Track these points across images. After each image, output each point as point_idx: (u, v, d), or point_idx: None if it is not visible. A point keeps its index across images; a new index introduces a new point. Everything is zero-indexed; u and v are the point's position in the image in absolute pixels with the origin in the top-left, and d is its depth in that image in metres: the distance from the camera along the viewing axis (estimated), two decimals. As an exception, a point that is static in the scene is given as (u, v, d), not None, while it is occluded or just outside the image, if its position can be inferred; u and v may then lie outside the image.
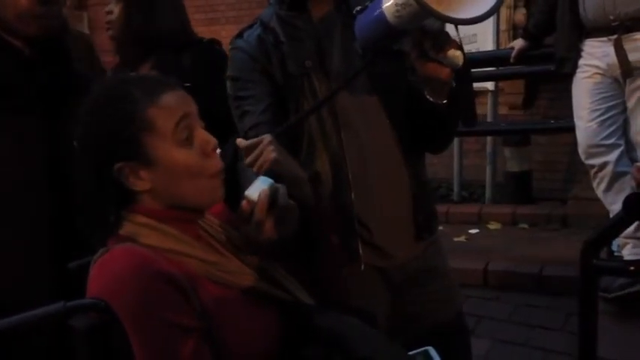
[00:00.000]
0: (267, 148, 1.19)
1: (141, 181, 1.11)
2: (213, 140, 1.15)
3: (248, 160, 1.16)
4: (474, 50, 4.29)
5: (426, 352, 1.26)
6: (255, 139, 1.21)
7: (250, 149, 1.18)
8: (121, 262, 1.07)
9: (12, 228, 1.46)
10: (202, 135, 1.14)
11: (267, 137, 1.24)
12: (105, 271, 1.08)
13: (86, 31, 6.50)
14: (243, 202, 1.11)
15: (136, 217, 1.13)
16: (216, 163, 1.15)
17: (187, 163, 1.11)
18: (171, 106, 1.12)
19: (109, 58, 2.59)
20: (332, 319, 1.18)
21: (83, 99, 1.16)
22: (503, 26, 4.95)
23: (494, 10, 1.24)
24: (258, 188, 1.12)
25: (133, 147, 1.09)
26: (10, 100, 1.48)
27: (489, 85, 4.66)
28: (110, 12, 2.15)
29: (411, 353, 1.24)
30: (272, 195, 1.12)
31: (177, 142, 1.11)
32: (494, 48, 4.56)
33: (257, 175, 1.18)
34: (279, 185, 1.13)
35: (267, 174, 1.18)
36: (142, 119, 1.09)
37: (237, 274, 1.16)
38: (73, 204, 1.28)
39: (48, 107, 1.51)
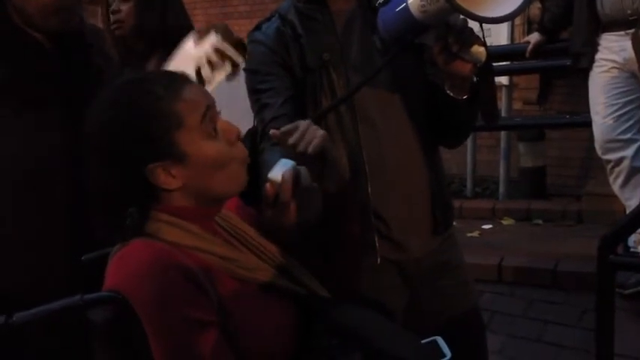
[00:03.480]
0: (310, 127, 1.17)
1: (173, 180, 1.09)
2: (236, 129, 1.15)
3: (291, 140, 1.14)
4: (488, 44, 4.25)
5: (434, 342, 1.26)
6: (292, 124, 1.18)
7: (288, 134, 1.17)
8: (140, 255, 1.06)
9: (28, 218, 1.47)
10: (225, 125, 1.14)
11: (305, 121, 1.21)
12: (123, 265, 1.08)
13: (100, 25, 6.51)
14: (267, 185, 1.09)
15: (158, 214, 1.11)
16: (241, 149, 1.15)
17: (217, 155, 1.11)
18: (195, 99, 1.11)
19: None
20: (348, 311, 1.18)
21: (94, 103, 1.14)
22: (517, 20, 4.90)
23: (520, 10, 1.25)
24: (280, 170, 1.10)
25: (164, 146, 1.08)
26: (30, 91, 1.49)
27: (504, 80, 4.63)
28: (118, 11, 2.11)
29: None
30: (295, 176, 1.10)
31: (206, 134, 1.10)
32: (509, 42, 4.53)
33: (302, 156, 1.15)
34: (301, 167, 1.12)
35: (306, 159, 1.16)
36: (170, 115, 1.08)
37: (255, 270, 1.15)
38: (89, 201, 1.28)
39: (68, 99, 1.52)
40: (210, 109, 1.12)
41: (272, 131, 1.19)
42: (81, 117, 1.51)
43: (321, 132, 1.17)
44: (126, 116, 1.09)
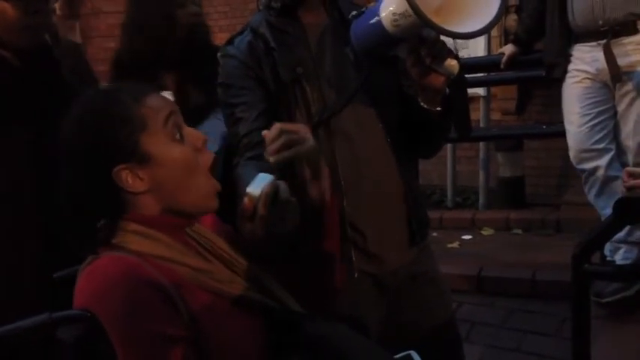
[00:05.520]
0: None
1: (140, 182, 1.12)
2: (203, 136, 1.18)
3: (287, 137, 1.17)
4: (465, 56, 4.30)
5: (409, 356, 1.26)
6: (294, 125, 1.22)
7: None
8: (108, 271, 1.07)
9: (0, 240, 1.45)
10: (191, 131, 1.18)
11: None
12: (91, 281, 1.08)
13: (79, 40, 6.50)
14: (245, 200, 1.10)
15: (127, 224, 1.13)
16: (208, 156, 1.19)
17: (183, 158, 1.14)
18: (158, 105, 1.15)
19: (101, 68, 2.58)
20: (321, 326, 1.18)
21: (65, 113, 1.16)
22: (494, 32, 4.95)
23: (492, 26, 1.27)
24: (259, 184, 1.10)
25: (129, 148, 1.10)
26: None
27: (481, 91, 4.67)
28: None
29: (394, 357, 1.24)
30: (274, 190, 1.11)
31: (170, 138, 1.13)
32: (486, 54, 4.58)
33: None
34: (279, 181, 1.12)
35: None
36: (134, 119, 1.11)
37: (227, 283, 1.15)
38: (60, 214, 1.28)
39: (37, 117, 1.51)
40: (173, 114, 1.15)
41: (264, 132, 1.21)
42: (49, 134, 1.51)
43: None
44: (92, 120, 1.12)
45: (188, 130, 1.17)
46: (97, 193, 1.12)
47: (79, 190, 1.13)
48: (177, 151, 1.14)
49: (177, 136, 1.15)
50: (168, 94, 1.99)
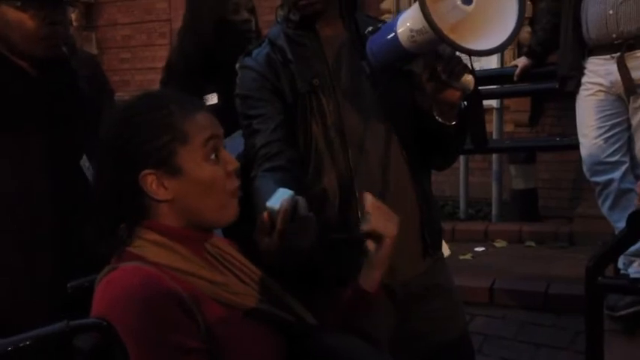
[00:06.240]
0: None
1: (164, 190, 1.13)
2: (236, 163, 1.20)
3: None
4: (478, 68, 4.28)
5: None
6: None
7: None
8: (127, 281, 1.08)
9: (12, 245, 1.47)
10: (227, 156, 1.19)
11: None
12: (110, 291, 1.08)
13: (94, 51, 6.58)
14: (264, 214, 1.12)
15: (147, 233, 1.14)
16: (235, 182, 1.20)
17: (213, 178, 1.16)
18: (204, 124, 1.17)
19: (116, 78, 2.61)
20: (334, 338, 1.19)
21: (108, 111, 1.18)
22: (507, 44, 4.96)
23: (508, 44, 1.27)
24: (279, 199, 1.12)
25: (164, 155, 1.12)
26: (15, 119, 1.50)
27: (494, 103, 4.67)
28: None
29: None
30: (293, 205, 1.12)
31: (206, 157, 1.15)
32: (499, 66, 4.58)
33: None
34: (299, 197, 1.14)
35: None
36: (177, 129, 1.13)
37: (242, 296, 1.16)
38: (74, 221, 1.29)
39: (52, 126, 1.53)
40: (214, 137, 1.17)
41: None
42: (65, 142, 1.54)
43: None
44: (134, 120, 1.14)
45: (225, 155, 1.19)
46: (121, 191, 1.14)
47: (105, 184, 1.15)
48: (207, 171, 1.15)
49: (213, 156, 1.16)
50: (213, 97, 2.01)
